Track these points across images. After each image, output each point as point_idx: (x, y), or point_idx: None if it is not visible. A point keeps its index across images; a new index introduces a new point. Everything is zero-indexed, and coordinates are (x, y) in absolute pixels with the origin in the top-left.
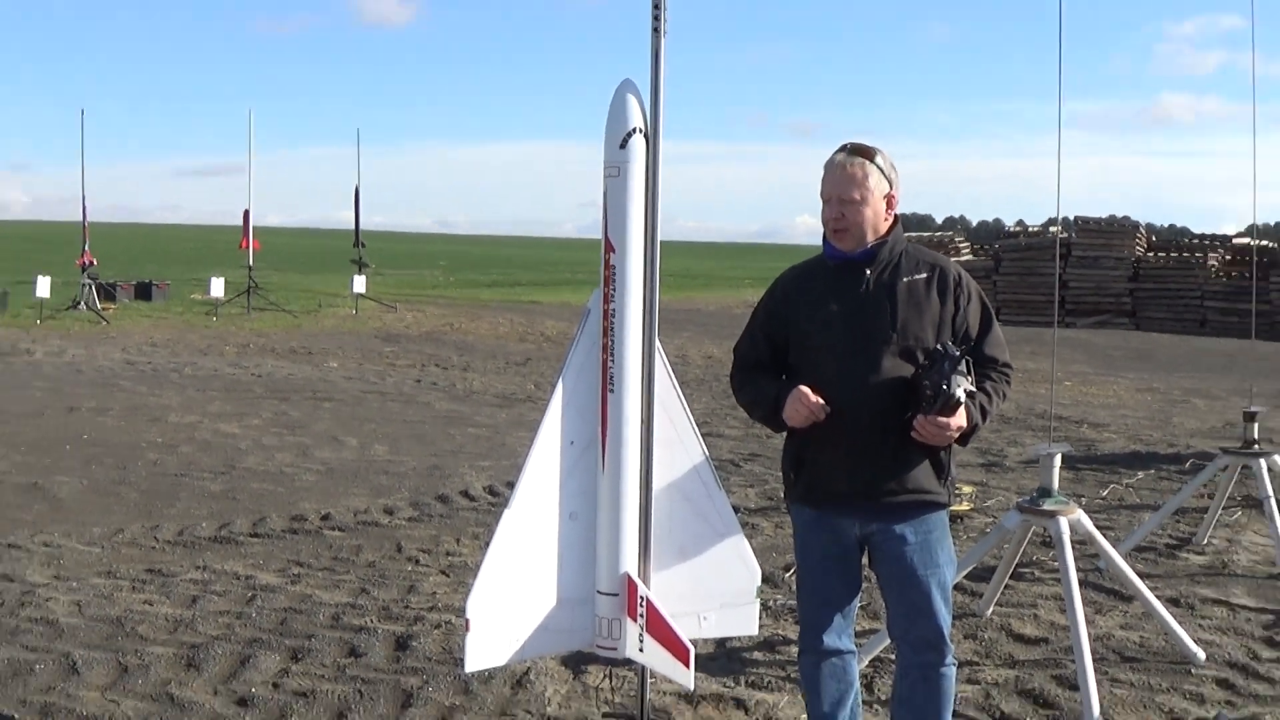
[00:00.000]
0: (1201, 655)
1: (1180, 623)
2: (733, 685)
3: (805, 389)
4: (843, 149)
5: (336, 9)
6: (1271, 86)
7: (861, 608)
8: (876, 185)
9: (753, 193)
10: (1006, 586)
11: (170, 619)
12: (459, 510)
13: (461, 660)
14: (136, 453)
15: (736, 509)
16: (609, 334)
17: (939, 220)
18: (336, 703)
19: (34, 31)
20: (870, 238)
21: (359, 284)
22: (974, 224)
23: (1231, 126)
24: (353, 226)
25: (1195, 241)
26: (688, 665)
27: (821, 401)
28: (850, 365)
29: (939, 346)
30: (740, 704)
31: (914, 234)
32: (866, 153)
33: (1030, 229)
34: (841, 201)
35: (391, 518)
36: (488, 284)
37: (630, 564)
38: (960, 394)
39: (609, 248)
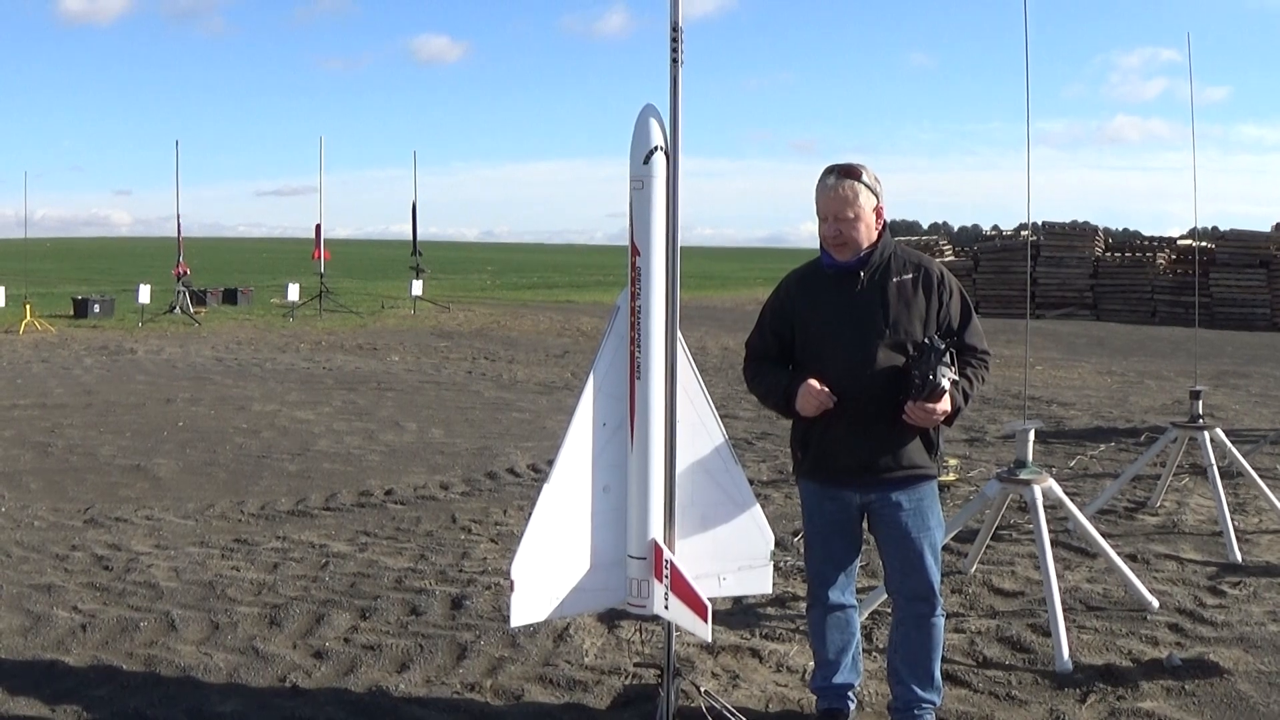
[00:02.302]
0: (1155, 603)
1: (1137, 576)
2: (749, 637)
3: (814, 382)
4: (832, 171)
5: (397, 48)
6: (1205, 110)
7: (861, 567)
8: (866, 201)
9: (761, 203)
10: (988, 547)
11: (255, 582)
12: (506, 485)
13: (508, 617)
14: (224, 438)
15: (751, 481)
16: (636, 328)
17: (925, 225)
18: (400, 655)
19: (134, 73)
20: (864, 246)
21: (417, 287)
22: (955, 229)
23: (1172, 144)
24: (410, 237)
25: (1146, 243)
26: (706, 621)
27: (829, 391)
28: (849, 357)
29: (926, 340)
30: (755, 653)
31: (902, 237)
32: (853, 173)
33: (1004, 233)
34: (838, 220)
35: (447, 492)
36: (529, 286)
37: (657, 531)
38: (945, 383)
39: (635, 252)
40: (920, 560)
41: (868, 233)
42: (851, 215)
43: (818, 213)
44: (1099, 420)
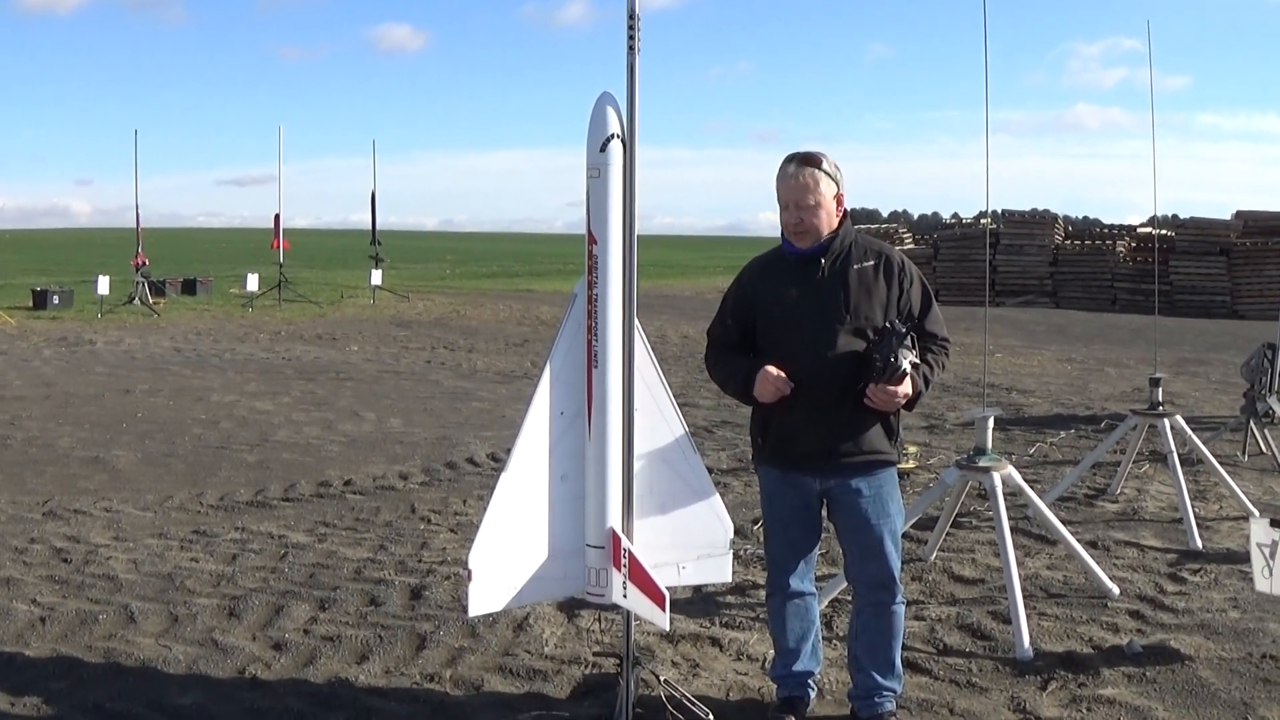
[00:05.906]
0: (1116, 590)
1: (1098, 563)
2: (709, 625)
3: (771, 368)
4: (792, 159)
5: (356, 37)
6: (1165, 99)
7: (821, 555)
8: (826, 189)
9: (720, 192)
10: (948, 534)
11: (214, 574)
12: (465, 475)
13: (466, 607)
14: (183, 429)
15: (710, 470)
16: (593, 316)
17: (885, 214)
18: (360, 646)
19: (95, 62)
20: (825, 234)
21: (376, 277)
22: (915, 217)
23: (1132, 132)
24: (370, 227)
25: (1106, 231)
26: (664, 609)
27: (785, 378)
28: (810, 343)
29: (887, 324)
30: (715, 641)
31: (862, 226)
32: (814, 161)
33: (964, 221)
34: (799, 208)
35: (406, 482)
36: (488, 275)
37: (615, 520)
38: (906, 365)
39: (591, 240)
40: (880, 547)
41: (828, 220)
42: (812, 202)
43: (779, 200)
44: (1059, 407)
